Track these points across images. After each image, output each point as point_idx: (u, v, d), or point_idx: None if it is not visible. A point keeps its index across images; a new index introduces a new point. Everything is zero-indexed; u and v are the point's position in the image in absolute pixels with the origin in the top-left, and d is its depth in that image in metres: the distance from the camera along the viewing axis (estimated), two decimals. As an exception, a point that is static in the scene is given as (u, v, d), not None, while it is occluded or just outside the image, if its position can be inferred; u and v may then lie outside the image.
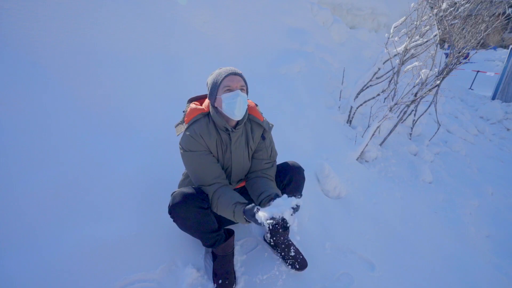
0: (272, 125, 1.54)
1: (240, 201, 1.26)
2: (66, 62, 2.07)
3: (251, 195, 1.47)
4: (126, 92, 2.19)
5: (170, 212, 1.32)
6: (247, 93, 1.38)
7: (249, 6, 3.72)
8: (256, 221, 1.12)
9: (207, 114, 1.40)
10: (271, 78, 3.29)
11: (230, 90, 1.30)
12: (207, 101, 1.43)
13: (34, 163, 1.59)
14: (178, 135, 1.42)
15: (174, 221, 1.36)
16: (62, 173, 1.61)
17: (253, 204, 1.20)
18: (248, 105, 1.42)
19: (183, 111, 1.46)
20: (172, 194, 1.36)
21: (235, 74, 1.33)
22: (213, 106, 1.37)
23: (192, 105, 1.42)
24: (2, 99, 1.72)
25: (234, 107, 1.29)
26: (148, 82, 2.34)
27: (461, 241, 2.32)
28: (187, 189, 1.32)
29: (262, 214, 1.08)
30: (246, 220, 1.20)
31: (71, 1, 2.30)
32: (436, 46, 2.94)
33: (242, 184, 1.61)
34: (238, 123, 1.40)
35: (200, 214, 1.32)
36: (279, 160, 1.62)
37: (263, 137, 1.50)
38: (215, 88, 1.33)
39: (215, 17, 3.28)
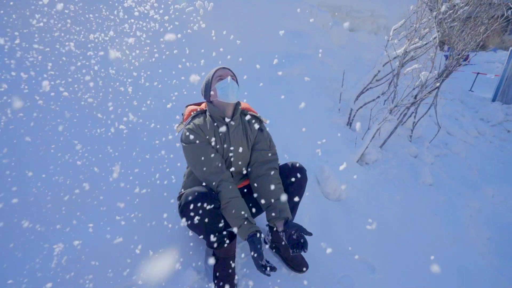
0: (267, 121, 1.66)
1: (249, 220, 1.33)
2: (66, 63, 2.08)
3: (257, 197, 1.49)
4: (126, 93, 2.20)
5: (182, 210, 1.33)
6: (237, 84, 1.52)
7: (249, 9, 3.74)
8: (255, 250, 1.26)
9: (205, 111, 1.52)
10: (271, 80, 3.30)
11: (222, 79, 1.45)
12: (203, 104, 1.57)
13: (34, 164, 1.59)
14: (178, 132, 1.51)
15: (184, 218, 1.36)
16: (62, 174, 1.61)
17: (259, 233, 1.31)
18: (242, 104, 1.59)
19: (182, 114, 1.58)
20: (183, 193, 1.37)
21: (224, 68, 1.50)
22: (210, 102, 1.50)
23: (190, 107, 1.57)
24: (2, 99, 1.73)
25: (228, 90, 1.42)
26: (148, 85, 2.35)
27: (461, 243, 2.32)
28: (200, 188, 1.34)
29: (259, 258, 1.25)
30: (246, 240, 1.30)
31: (71, 2, 2.32)
32: (436, 48, 2.95)
33: (245, 182, 1.62)
34: (234, 113, 1.50)
35: (211, 214, 1.33)
36: (280, 162, 1.63)
37: (260, 129, 1.57)
38: (208, 84, 1.49)
39: (215, 20, 3.30)
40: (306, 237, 1.35)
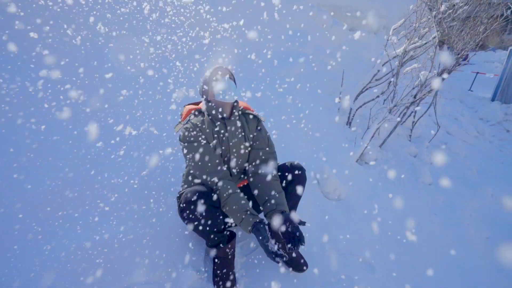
0: (264, 119, 1.66)
1: (251, 211, 1.33)
2: (67, 63, 2.08)
3: (255, 195, 1.49)
4: (126, 93, 2.20)
5: (181, 210, 1.33)
6: (235, 83, 1.52)
7: (249, 9, 3.74)
8: (261, 240, 1.25)
9: (203, 111, 1.52)
10: (271, 80, 3.30)
11: (219, 78, 1.46)
12: (201, 104, 1.57)
13: (34, 163, 1.59)
14: (176, 132, 1.50)
15: (183, 218, 1.36)
16: (62, 174, 1.61)
17: (263, 223, 1.30)
18: (240, 103, 1.59)
19: (180, 114, 1.58)
20: (182, 193, 1.37)
21: (221, 67, 1.51)
22: (207, 101, 1.50)
23: (188, 106, 1.57)
24: (2, 99, 1.72)
25: (225, 90, 1.43)
26: (148, 84, 2.35)
27: (461, 243, 2.32)
28: (199, 187, 1.34)
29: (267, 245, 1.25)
30: (250, 231, 1.29)
31: (71, 1, 2.32)
32: (435, 48, 2.95)
33: (244, 182, 1.62)
34: (232, 112, 1.51)
35: (211, 213, 1.33)
36: (279, 162, 1.63)
37: (258, 128, 1.57)
38: (206, 83, 1.49)
39: (216, 20, 3.30)
40: (302, 229, 1.33)
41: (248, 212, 1.32)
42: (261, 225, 1.28)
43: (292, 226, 1.29)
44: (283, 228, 1.30)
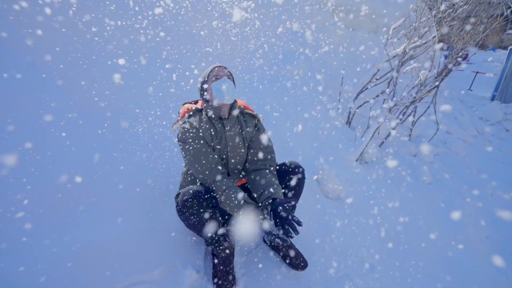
0: (263, 118, 1.64)
1: (247, 201, 1.33)
2: (65, 63, 2.07)
3: (252, 191, 1.49)
4: (125, 93, 2.19)
5: (179, 210, 1.33)
6: (233, 83, 1.51)
7: (249, 8, 3.73)
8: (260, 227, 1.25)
9: (201, 110, 1.52)
10: (271, 79, 3.29)
11: (218, 78, 1.44)
12: (199, 102, 1.56)
13: (32, 164, 1.58)
14: (174, 130, 1.51)
15: (181, 218, 1.36)
16: (60, 174, 1.60)
17: (260, 209, 1.30)
18: (239, 102, 1.58)
19: (178, 112, 1.58)
20: (180, 193, 1.37)
21: (220, 66, 1.48)
22: (206, 101, 1.48)
23: (186, 105, 1.57)
24: (2, 99, 1.72)
25: (223, 91, 1.41)
26: (147, 84, 2.34)
27: (461, 243, 2.32)
28: (197, 187, 1.34)
29: (267, 227, 1.25)
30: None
31: (70, 1, 2.31)
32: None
33: (243, 181, 1.61)
34: (230, 112, 1.50)
35: (209, 212, 1.33)
36: (278, 161, 1.63)
37: (257, 128, 1.56)
38: (204, 83, 1.47)
39: (215, 19, 3.30)
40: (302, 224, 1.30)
41: (246, 204, 1.31)
42: (259, 211, 1.28)
43: (284, 211, 1.26)
44: (275, 215, 1.27)
